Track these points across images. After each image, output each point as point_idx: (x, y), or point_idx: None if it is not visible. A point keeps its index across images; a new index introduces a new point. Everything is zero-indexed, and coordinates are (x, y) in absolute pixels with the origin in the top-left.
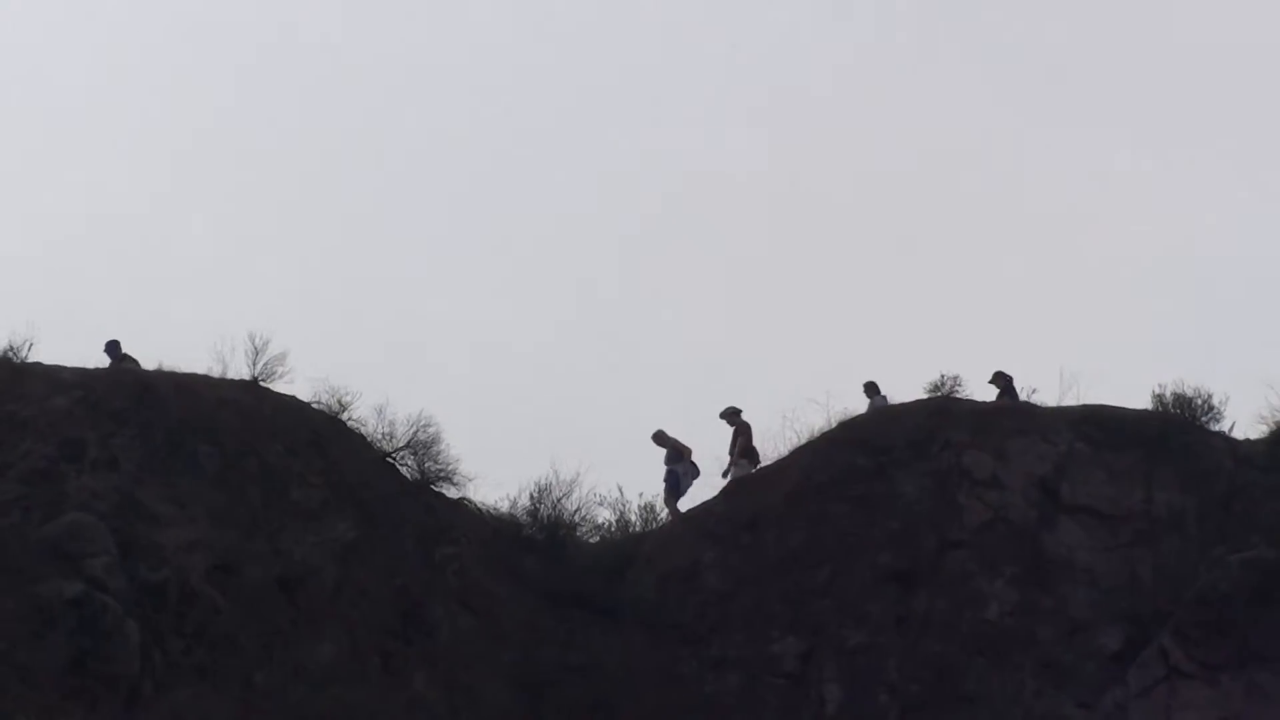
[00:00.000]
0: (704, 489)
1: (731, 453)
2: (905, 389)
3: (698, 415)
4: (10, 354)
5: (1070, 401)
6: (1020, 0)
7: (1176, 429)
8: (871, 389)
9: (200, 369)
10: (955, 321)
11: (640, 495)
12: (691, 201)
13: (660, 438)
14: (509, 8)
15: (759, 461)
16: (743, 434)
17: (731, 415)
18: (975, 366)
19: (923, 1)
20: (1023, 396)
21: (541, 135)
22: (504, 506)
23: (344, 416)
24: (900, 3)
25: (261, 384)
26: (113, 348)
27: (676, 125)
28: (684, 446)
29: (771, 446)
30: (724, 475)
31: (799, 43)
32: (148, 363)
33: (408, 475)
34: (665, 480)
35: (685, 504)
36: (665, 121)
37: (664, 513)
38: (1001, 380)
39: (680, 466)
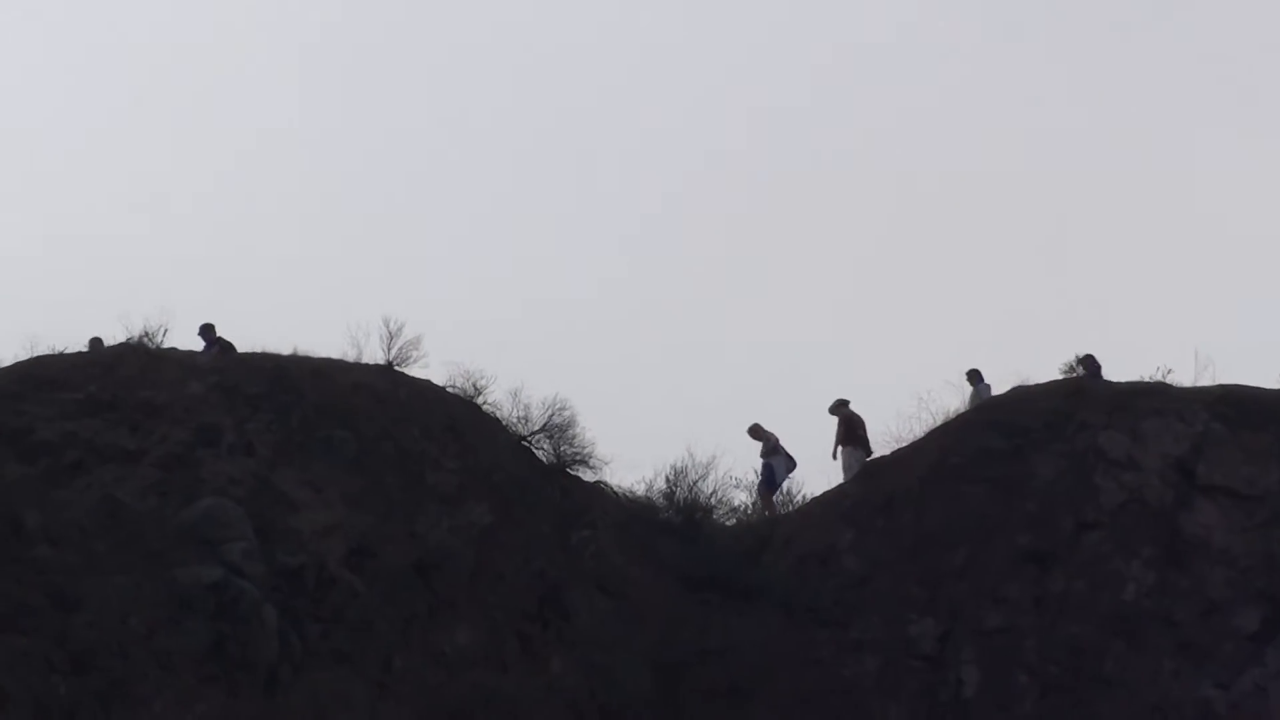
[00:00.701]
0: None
1: (836, 444)
2: (1040, 369)
3: (830, 398)
4: (146, 340)
5: (1206, 382)
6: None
7: None
8: (975, 376)
9: (335, 354)
10: (1090, 304)
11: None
12: (822, 184)
13: (756, 431)
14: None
15: (870, 452)
16: (843, 424)
17: (835, 407)
18: (1111, 348)
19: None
20: (1158, 377)
21: (661, 129)
22: (640, 489)
23: (479, 400)
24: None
25: (396, 369)
26: (207, 331)
27: (797, 107)
28: (774, 437)
29: (907, 428)
30: (834, 458)
31: (926, 33)
32: (284, 348)
33: (543, 459)
34: (760, 473)
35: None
36: (782, 103)
37: (801, 494)
38: (1091, 364)
39: (775, 460)
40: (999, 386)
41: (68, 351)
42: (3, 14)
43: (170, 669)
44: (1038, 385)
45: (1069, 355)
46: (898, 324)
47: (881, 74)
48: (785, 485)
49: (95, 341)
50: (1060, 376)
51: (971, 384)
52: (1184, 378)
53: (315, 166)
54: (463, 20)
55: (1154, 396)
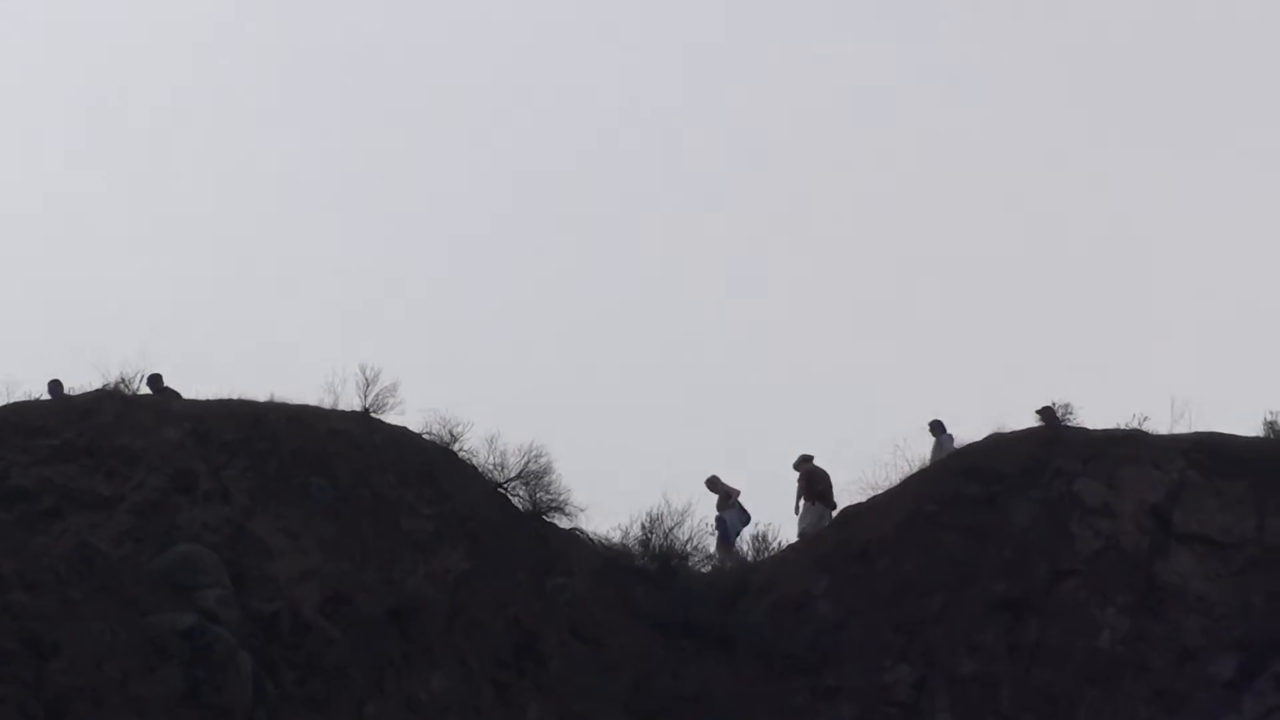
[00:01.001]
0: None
1: (798, 499)
2: (1015, 415)
3: (803, 446)
4: (122, 386)
5: (1181, 429)
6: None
7: None
8: (937, 428)
9: (312, 400)
10: (1065, 350)
11: (755, 524)
12: (798, 231)
13: (713, 483)
14: None
15: (834, 507)
16: (804, 479)
17: (798, 463)
18: (1086, 395)
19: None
20: (1134, 424)
21: (641, 174)
22: (616, 536)
23: (455, 447)
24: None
25: (373, 415)
26: (154, 381)
27: (795, 157)
28: (734, 490)
29: (883, 475)
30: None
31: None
32: (260, 395)
33: (519, 506)
34: (716, 527)
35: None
36: (777, 152)
37: (776, 541)
38: (1047, 415)
39: (729, 514)
40: (975, 433)
41: (43, 398)
42: None
43: (145, 715)
44: (1013, 432)
45: (1044, 401)
46: (872, 371)
47: (850, 117)
48: (745, 536)
49: (55, 384)
50: (1036, 423)
51: (934, 435)
52: (1160, 425)
53: (290, 210)
54: (436, 64)
55: (1130, 444)
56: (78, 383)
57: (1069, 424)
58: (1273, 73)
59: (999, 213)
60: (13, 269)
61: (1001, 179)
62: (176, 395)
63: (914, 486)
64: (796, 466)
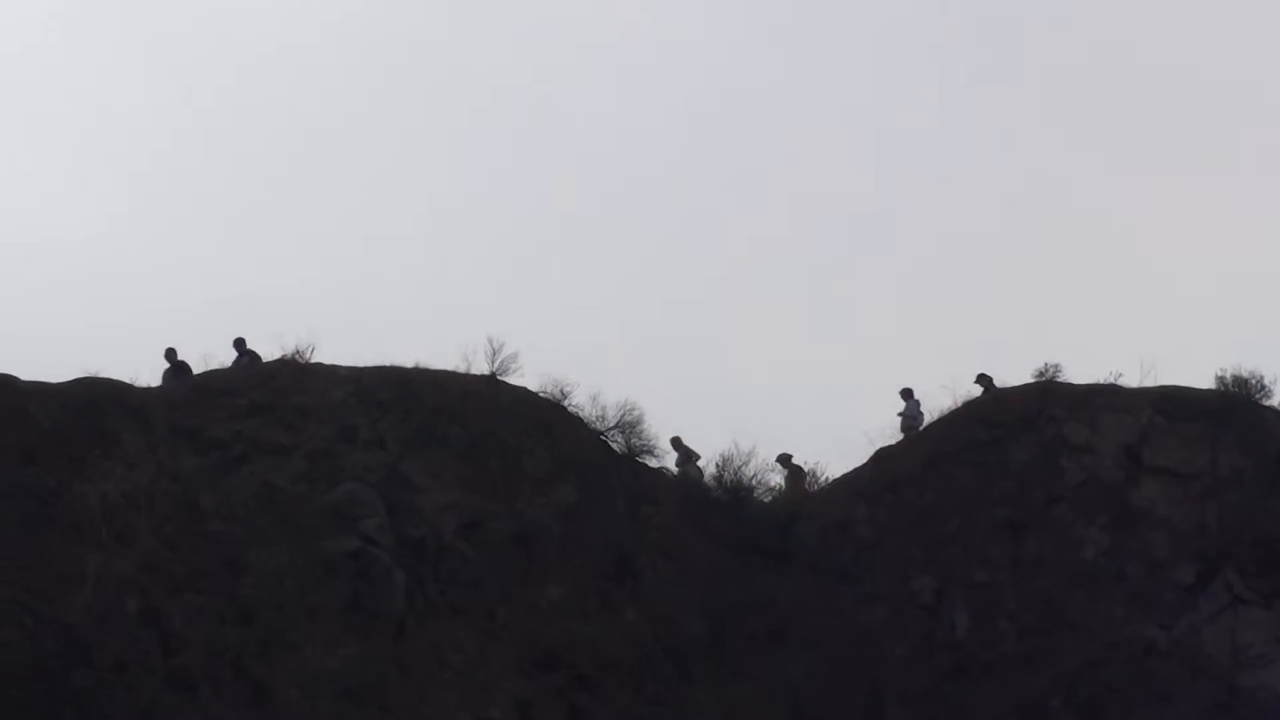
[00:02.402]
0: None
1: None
2: (1015, 374)
3: (855, 398)
4: (297, 355)
5: (1150, 383)
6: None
7: (1237, 404)
8: (907, 394)
9: (449, 366)
10: (1055, 320)
11: (805, 462)
12: (842, 206)
13: (675, 443)
14: None
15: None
16: (790, 477)
17: (782, 460)
18: (1073, 355)
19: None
20: (1111, 379)
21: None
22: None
23: (565, 403)
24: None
25: (498, 378)
26: (239, 344)
27: (838, 142)
28: (695, 453)
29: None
30: None
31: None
32: (408, 361)
33: (617, 449)
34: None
35: None
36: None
37: (824, 476)
38: (984, 380)
39: (691, 469)
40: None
41: (232, 361)
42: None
43: (318, 620)
44: (1013, 387)
45: (1039, 362)
46: (898, 334)
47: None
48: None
49: (170, 351)
50: (1032, 380)
51: (904, 400)
52: (1132, 380)
53: (430, 209)
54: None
55: (1108, 395)
56: (262, 352)
57: (1058, 380)
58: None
59: (1007, 207)
60: (205, 260)
61: (997, 175)
62: (258, 357)
63: (934, 431)
64: (780, 462)
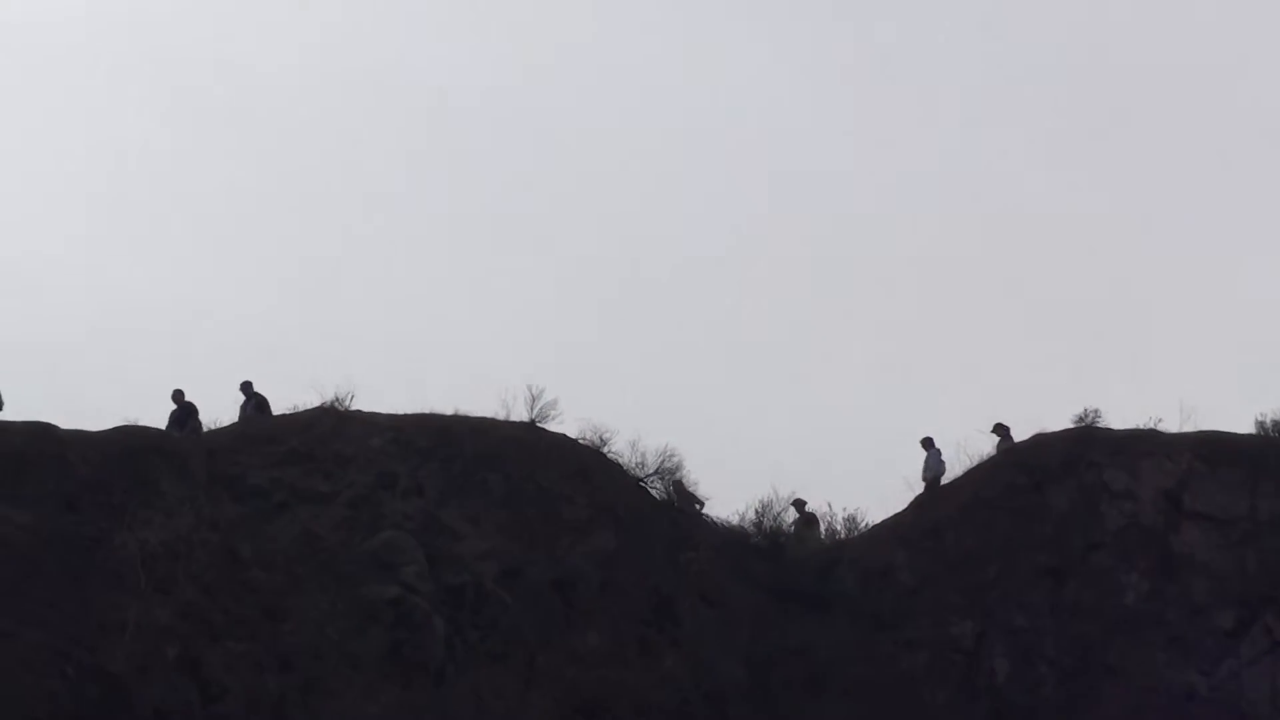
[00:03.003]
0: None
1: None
2: (1055, 419)
3: (886, 445)
4: (336, 404)
5: (1189, 428)
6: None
7: (1277, 449)
8: (928, 443)
9: (489, 413)
10: (1095, 365)
11: (844, 509)
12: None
13: (798, 505)
14: None
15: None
16: (800, 521)
17: (796, 504)
18: (1112, 400)
19: None
20: (1150, 425)
21: (786, 196)
22: (734, 519)
23: (604, 449)
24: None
25: (538, 425)
26: (246, 387)
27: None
28: (815, 516)
29: (949, 469)
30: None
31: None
32: (447, 409)
33: (656, 495)
34: None
35: None
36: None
37: (864, 522)
38: (1001, 430)
39: (811, 534)
40: (1023, 434)
41: (274, 413)
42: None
43: (358, 668)
44: (1054, 433)
45: (1079, 408)
46: (937, 381)
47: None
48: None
49: (178, 393)
50: (1072, 425)
51: (925, 449)
52: (1171, 425)
53: (468, 255)
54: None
55: (1147, 441)
56: (301, 401)
57: (1098, 425)
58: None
59: (1048, 252)
60: (244, 308)
61: (1038, 219)
62: (266, 402)
63: (974, 477)
64: (794, 506)
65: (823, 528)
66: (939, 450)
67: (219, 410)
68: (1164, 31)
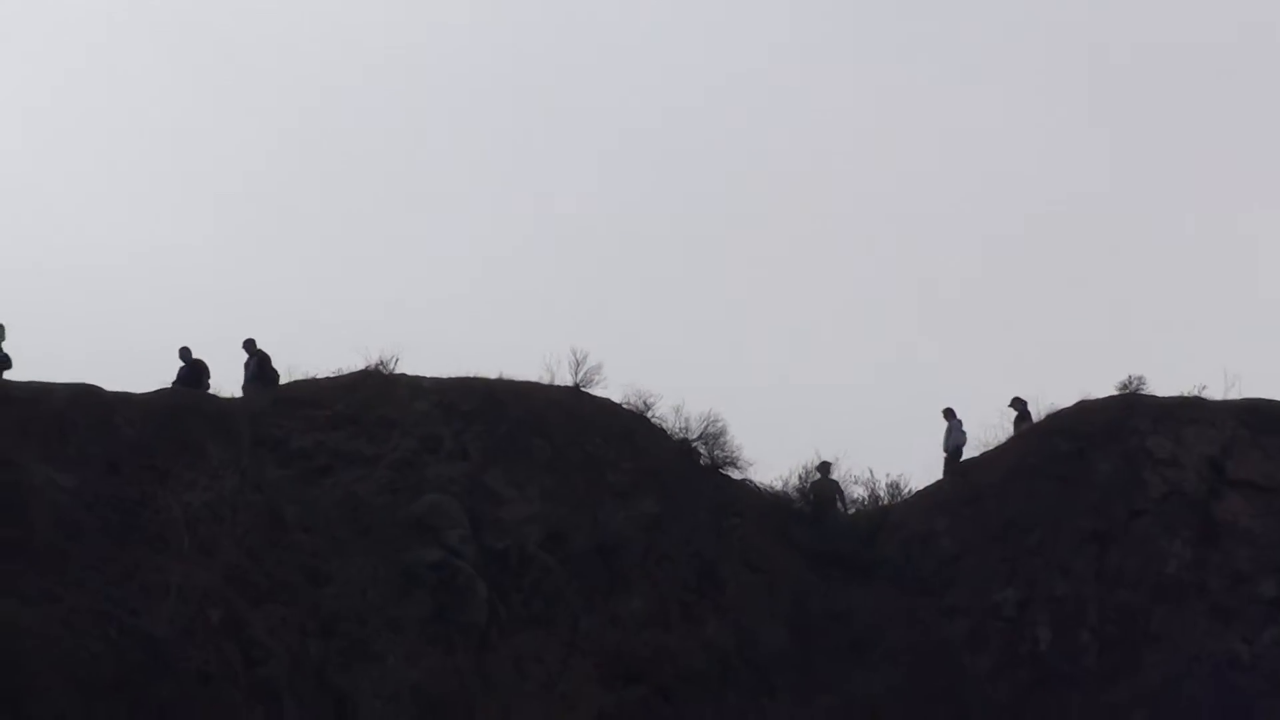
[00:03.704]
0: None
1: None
2: (1099, 386)
3: (929, 411)
4: (381, 367)
5: (1233, 396)
6: None
7: None
8: (949, 414)
9: (533, 377)
10: (1141, 333)
11: (887, 475)
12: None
13: (1016, 402)
14: None
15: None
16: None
17: (821, 467)
18: (1156, 368)
19: None
20: (1194, 392)
21: (833, 158)
22: (778, 485)
23: (649, 414)
24: None
25: (582, 389)
26: (249, 344)
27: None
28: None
29: (992, 435)
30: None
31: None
32: (491, 373)
33: (700, 461)
34: None
35: None
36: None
37: (907, 489)
38: (1019, 405)
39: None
40: (1066, 400)
41: (317, 377)
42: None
43: (400, 632)
44: (1097, 399)
45: (1123, 374)
46: (982, 345)
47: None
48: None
49: (185, 350)
50: (1116, 392)
51: (947, 420)
52: (1215, 393)
53: (531, 231)
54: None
55: (1191, 408)
56: (346, 364)
57: (1142, 392)
58: None
59: (1092, 219)
60: (290, 274)
61: (1083, 188)
62: (268, 358)
63: (1016, 443)
64: (819, 470)
65: (864, 492)
66: (960, 421)
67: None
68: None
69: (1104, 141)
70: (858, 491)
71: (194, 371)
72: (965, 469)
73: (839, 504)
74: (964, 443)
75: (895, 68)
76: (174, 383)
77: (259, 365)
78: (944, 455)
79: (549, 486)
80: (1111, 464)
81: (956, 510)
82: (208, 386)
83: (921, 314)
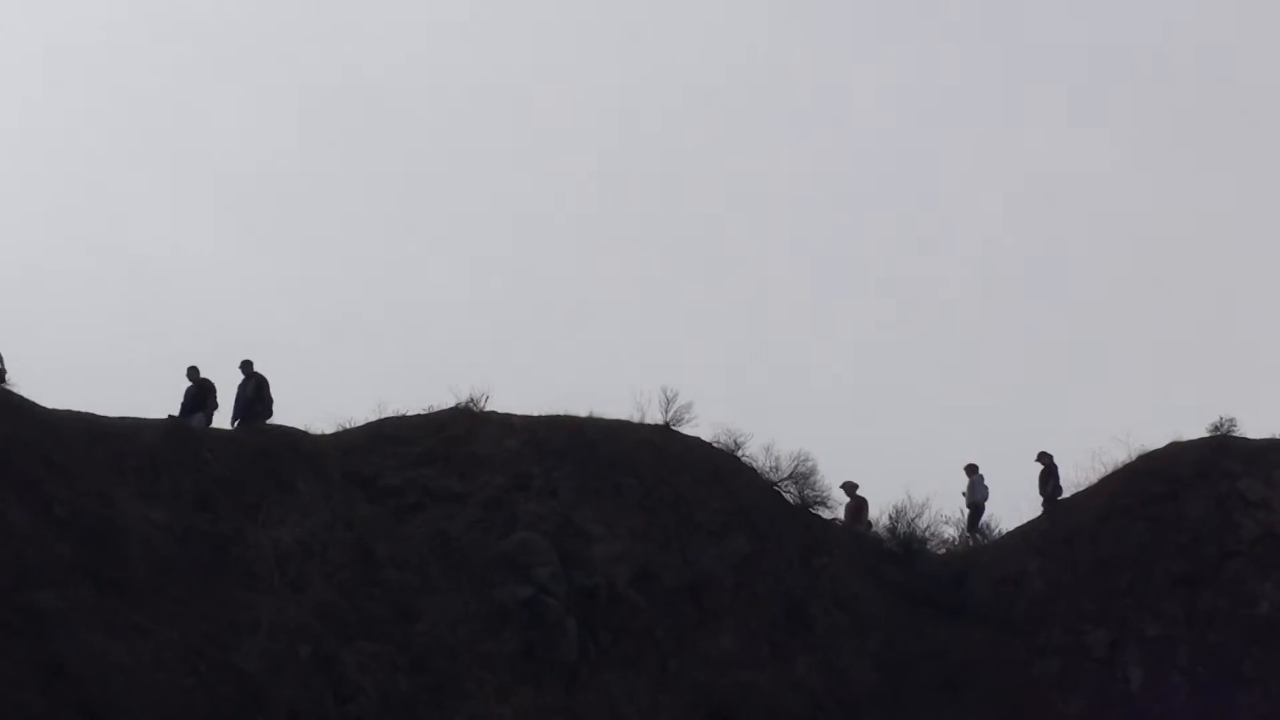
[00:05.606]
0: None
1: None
2: (1190, 428)
3: (1017, 452)
4: (471, 404)
5: None
6: None
7: None
8: (971, 470)
9: (623, 416)
10: (1232, 375)
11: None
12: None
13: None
14: None
15: (869, 526)
16: (851, 507)
17: (847, 488)
18: (1249, 410)
19: None
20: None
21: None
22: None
23: (739, 453)
24: None
25: (672, 428)
26: (246, 366)
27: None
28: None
29: (1083, 476)
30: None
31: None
32: (582, 411)
33: (790, 500)
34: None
35: None
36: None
37: (997, 530)
38: (1044, 459)
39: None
40: (1158, 442)
41: (408, 414)
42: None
43: (490, 669)
44: (1188, 441)
45: (1214, 416)
46: (1070, 386)
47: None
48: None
49: (193, 370)
50: (1207, 434)
51: (968, 476)
52: None
53: (595, 260)
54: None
55: None
56: (437, 401)
57: (1234, 434)
58: None
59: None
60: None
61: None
62: (265, 381)
63: (1108, 485)
64: (845, 489)
65: (954, 533)
66: (982, 476)
67: (352, 411)
68: None
69: (1204, 169)
70: (948, 532)
71: (201, 391)
72: (1056, 510)
73: (866, 521)
74: (986, 498)
75: (988, 90)
76: (181, 406)
77: (256, 388)
78: (967, 509)
79: (638, 525)
80: (1203, 505)
81: (1048, 551)
82: (215, 406)
83: (1013, 355)
